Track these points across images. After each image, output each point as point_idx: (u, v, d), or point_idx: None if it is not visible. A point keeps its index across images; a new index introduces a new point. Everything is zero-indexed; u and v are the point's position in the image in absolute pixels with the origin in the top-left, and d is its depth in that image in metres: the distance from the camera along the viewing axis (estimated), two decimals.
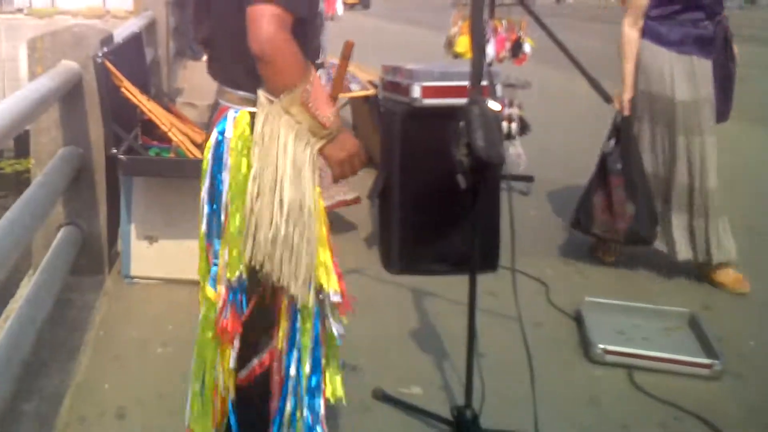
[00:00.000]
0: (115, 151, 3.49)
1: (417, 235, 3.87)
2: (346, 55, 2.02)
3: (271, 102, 1.86)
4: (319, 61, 2.04)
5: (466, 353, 2.56)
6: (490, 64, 5.50)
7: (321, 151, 1.90)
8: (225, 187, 1.96)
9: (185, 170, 3.46)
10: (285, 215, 1.87)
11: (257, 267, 1.91)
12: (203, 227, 2.03)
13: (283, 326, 2.00)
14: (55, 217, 3.54)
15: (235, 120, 1.97)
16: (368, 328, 3.13)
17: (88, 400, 2.71)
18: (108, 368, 2.91)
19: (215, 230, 2.00)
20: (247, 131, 1.93)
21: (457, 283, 3.38)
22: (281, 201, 1.87)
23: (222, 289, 1.99)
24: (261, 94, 1.88)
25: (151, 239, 3.61)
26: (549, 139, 6.41)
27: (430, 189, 3.80)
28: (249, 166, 1.91)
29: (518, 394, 2.71)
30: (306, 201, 1.89)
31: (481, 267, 3.18)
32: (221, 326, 1.98)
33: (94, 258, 3.62)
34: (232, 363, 2.00)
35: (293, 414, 2.08)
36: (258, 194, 1.88)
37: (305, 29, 1.93)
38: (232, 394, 2.04)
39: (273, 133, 1.87)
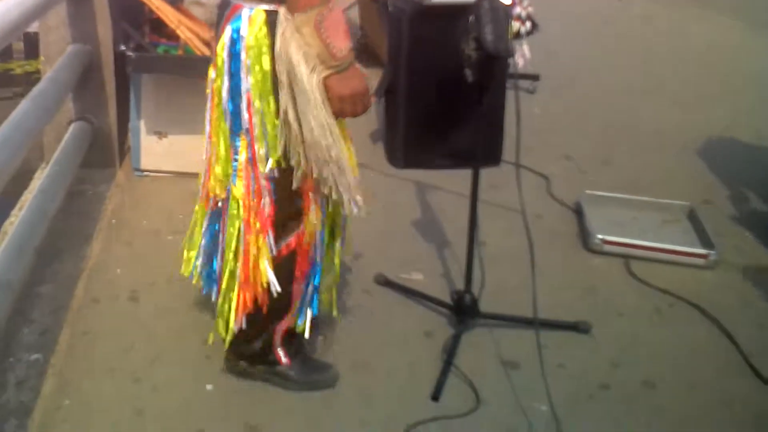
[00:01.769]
0: (123, 48, 3.44)
1: (421, 130, 3.82)
2: None
3: (288, 19, 1.85)
4: None
5: (467, 241, 2.56)
6: None
7: (325, 81, 1.87)
8: (246, 86, 1.95)
9: (194, 67, 3.40)
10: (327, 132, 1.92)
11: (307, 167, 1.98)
12: (228, 123, 2.01)
13: (315, 210, 2.07)
14: (66, 113, 3.51)
15: (250, 18, 1.92)
16: (372, 219, 3.11)
17: (101, 283, 2.74)
18: (120, 254, 2.94)
19: (238, 126, 2.00)
20: (264, 29, 1.91)
21: (461, 177, 3.35)
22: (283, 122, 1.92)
23: (243, 183, 2.03)
24: (281, 10, 1.87)
25: (160, 134, 3.58)
26: (555, 39, 6.26)
27: (436, 86, 3.73)
28: (271, 65, 1.91)
29: (517, 282, 2.71)
30: (325, 119, 1.90)
31: (484, 161, 3.15)
32: (259, 215, 2.04)
33: (105, 152, 3.61)
34: (272, 251, 2.07)
35: (314, 293, 2.19)
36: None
37: None
38: (271, 278, 2.09)
39: (285, 49, 1.86)
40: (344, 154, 2.00)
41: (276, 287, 2.08)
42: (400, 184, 3.65)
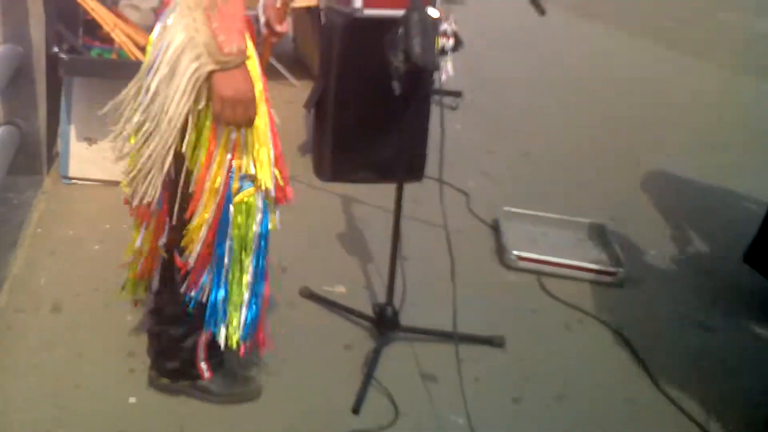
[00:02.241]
0: (56, 50, 3.31)
1: (349, 144, 3.80)
2: None
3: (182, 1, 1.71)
4: None
5: (390, 254, 2.55)
6: None
7: (209, 77, 1.71)
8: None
9: (128, 71, 3.25)
10: (143, 105, 1.79)
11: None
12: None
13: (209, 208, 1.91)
14: None
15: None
16: (297, 231, 3.09)
17: (24, 293, 2.63)
18: (44, 263, 2.82)
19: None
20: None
21: (385, 191, 3.35)
22: (144, 91, 1.78)
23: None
24: None
25: (90, 140, 3.46)
26: (479, 57, 6.32)
27: (365, 100, 3.72)
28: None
29: (436, 295, 2.72)
30: (172, 108, 1.75)
31: (408, 176, 3.15)
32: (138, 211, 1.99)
33: (33, 158, 3.46)
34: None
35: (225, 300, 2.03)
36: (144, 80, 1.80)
37: None
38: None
39: (171, 28, 1.73)
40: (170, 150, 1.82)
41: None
42: (327, 197, 3.62)
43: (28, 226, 3.06)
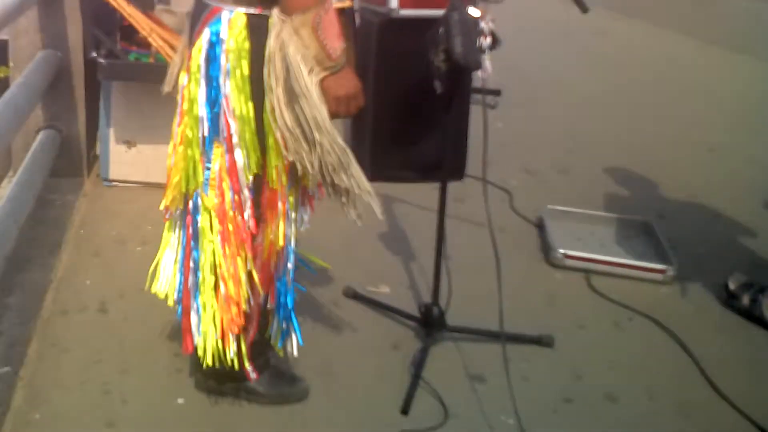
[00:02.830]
0: (94, 54, 3.38)
1: (388, 143, 3.81)
2: None
3: (283, 21, 1.78)
4: None
5: (434, 254, 2.55)
6: None
7: (322, 82, 1.81)
8: (225, 91, 1.88)
9: (165, 75, 3.34)
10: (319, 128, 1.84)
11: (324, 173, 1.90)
12: (203, 131, 1.94)
13: (281, 225, 2.00)
14: (34, 121, 3.42)
15: (230, 21, 1.86)
16: (339, 230, 3.08)
17: (69, 294, 2.67)
18: (89, 265, 2.86)
19: (215, 134, 1.93)
20: (244, 33, 1.85)
21: (426, 190, 3.37)
22: (306, 117, 1.83)
23: (216, 193, 1.96)
24: (275, 12, 1.80)
25: (129, 143, 3.51)
26: (518, 54, 6.30)
27: (403, 99, 3.72)
28: (250, 70, 1.85)
29: (482, 295, 2.69)
30: (322, 117, 1.84)
31: (450, 175, 3.14)
32: (241, 229, 1.97)
33: (74, 161, 3.53)
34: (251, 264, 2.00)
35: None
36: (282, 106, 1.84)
37: None
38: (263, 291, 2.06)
39: (281, 52, 1.79)
40: (352, 157, 1.92)
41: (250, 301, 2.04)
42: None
43: (71, 227, 3.11)
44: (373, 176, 3.72)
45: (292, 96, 1.82)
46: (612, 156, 4.40)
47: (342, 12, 5.36)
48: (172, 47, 3.58)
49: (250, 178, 1.94)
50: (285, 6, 1.78)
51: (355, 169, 1.92)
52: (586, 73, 6.18)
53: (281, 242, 2.01)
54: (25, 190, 2.89)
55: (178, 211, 2.10)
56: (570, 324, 2.79)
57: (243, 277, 2.00)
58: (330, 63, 1.78)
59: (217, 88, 1.89)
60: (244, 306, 2.02)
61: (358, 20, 4.39)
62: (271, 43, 1.81)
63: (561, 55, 6.76)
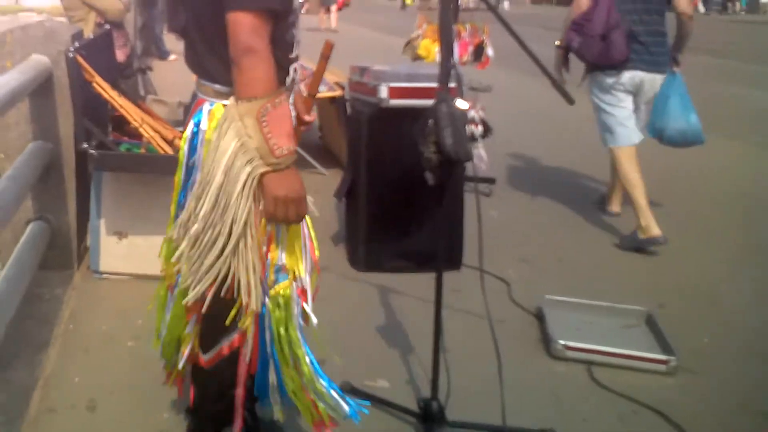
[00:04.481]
0: (86, 146, 3.46)
1: (383, 233, 3.88)
2: (326, 56, 2.00)
3: (232, 105, 1.84)
4: (293, 55, 2.02)
5: (432, 347, 2.57)
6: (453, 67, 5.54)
7: (261, 178, 1.82)
8: (196, 178, 1.95)
9: (157, 166, 3.43)
10: (202, 215, 1.86)
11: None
12: (177, 214, 2.03)
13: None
14: (24, 212, 3.48)
15: (210, 112, 1.96)
16: (335, 323, 3.12)
17: (58, 392, 2.68)
18: (78, 361, 2.88)
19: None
20: None
21: (422, 281, 3.41)
22: (202, 201, 1.86)
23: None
24: (230, 100, 1.87)
25: (120, 235, 3.57)
26: (509, 142, 6.47)
27: (396, 188, 3.82)
28: None
29: (482, 388, 2.72)
30: (233, 212, 1.84)
31: (446, 264, 3.20)
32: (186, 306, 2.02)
33: (63, 253, 3.57)
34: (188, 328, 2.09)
35: (281, 384, 2.11)
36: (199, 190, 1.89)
37: (278, 23, 1.91)
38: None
39: (221, 134, 1.84)
40: (249, 250, 1.88)
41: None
42: (363, 288, 3.67)
43: (59, 322, 3.13)
44: (369, 266, 3.84)
45: (212, 182, 1.84)
46: (606, 242, 4.48)
47: (333, 101, 5.53)
48: (164, 137, 3.68)
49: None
50: (236, 93, 1.83)
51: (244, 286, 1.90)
52: (579, 159, 6.32)
53: (248, 326, 2.01)
54: (12, 285, 2.91)
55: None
56: (573, 417, 2.80)
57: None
58: (273, 159, 1.79)
59: (194, 176, 1.97)
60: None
61: (349, 109, 4.54)
62: (216, 127, 1.86)
63: (553, 141, 6.92)
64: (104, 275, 3.56)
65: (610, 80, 4.42)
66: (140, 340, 3.00)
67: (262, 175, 1.81)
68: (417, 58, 5.74)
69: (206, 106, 1.98)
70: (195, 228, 1.88)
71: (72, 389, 2.70)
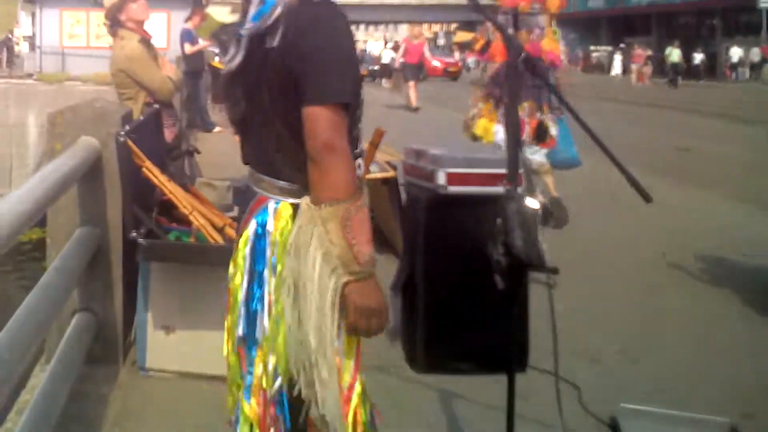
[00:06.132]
0: (135, 234, 3.43)
1: (443, 331, 3.77)
2: (376, 143, 1.99)
3: (311, 208, 1.79)
4: (357, 151, 1.98)
5: None
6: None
7: (344, 287, 1.77)
8: (269, 287, 1.89)
9: (208, 257, 3.41)
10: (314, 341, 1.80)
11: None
12: (240, 330, 1.94)
13: None
14: (69, 302, 3.46)
15: (276, 212, 1.90)
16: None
17: None
18: None
19: (254, 334, 1.92)
20: (290, 225, 1.86)
21: (487, 384, 3.31)
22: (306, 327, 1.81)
23: (258, 401, 1.92)
24: (304, 200, 1.83)
25: (168, 329, 3.52)
26: (573, 228, 6.37)
27: (457, 281, 3.73)
28: None
29: None
30: (327, 329, 1.80)
31: (512, 366, 3.10)
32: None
33: (109, 347, 3.55)
34: None
35: None
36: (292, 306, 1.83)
37: (350, 118, 1.89)
38: None
39: (301, 242, 1.79)
40: (333, 371, 1.83)
41: None
42: (423, 392, 3.57)
43: (105, 424, 3.08)
44: (429, 367, 3.74)
45: (300, 296, 1.79)
46: (685, 336, 4.34)
47: (386, 182, 5.52)
48: (214, 225, 3.67)
49: (276, 388, 1.89)
50: (315, 194, 1.79)
51: (331, 406, 1.83)
52: (641, 238, 6.22)
53: None
54: (58, 383, 2.90)
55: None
56: None
57: None
58: (356, 267, 1.75)
59: (261, 284, 1.89)
60: None
61: (404, 196, 4.50)
62: (294, 233, 1.80)
63: (617, 222, 6.82)
64: (150, 372, 3.51)
65: None
66: None
67: (344, 285, 1.76)
68: (475, 138, 5.72)
69: (271, 205, 1.92)
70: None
71: None
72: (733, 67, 36.68)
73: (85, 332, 3.35)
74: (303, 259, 1.78)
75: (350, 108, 1.87)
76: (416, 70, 18.33)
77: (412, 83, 18.15)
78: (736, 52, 36.85)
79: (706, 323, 4.58)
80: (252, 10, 1.93)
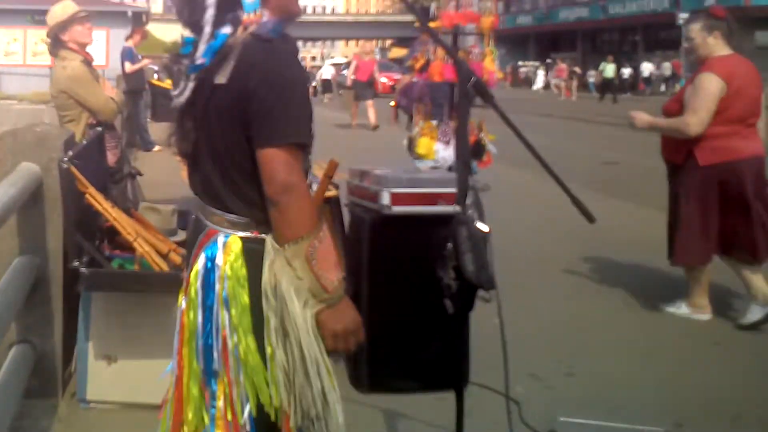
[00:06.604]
0: (77, 263, 3.31)
1: (386, 350, 3.76)
2: (330, 175, 2.00)
3: (276, 250, 1.82)
4: (307, 181, 1.98)
5: None
6: (450, 168, 5.51)
7: (317, 316, 1.81)
8: (222, 321, 1.88)
9: (152, 284, 3.34)
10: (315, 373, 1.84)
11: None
12: (198, 363, 1.93)
13: None
14: (7, 334, 3.34)
15: (225, 245, 1.90)
16: None
17: None
18: None
19: (212, 367, 1.91)
20: (240, 259, 1.87)
21: (430, 402, 3.31)
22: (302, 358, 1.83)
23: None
24: (269, 240, 1.85)
25: (109, 359, 3.43)
26: (508, 244, 6.40)
27: (400, 301, 3.72)
28: (249, 298, 1.86)
29: None
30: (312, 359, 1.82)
31: (450, 384, 3.10)
32: None
33: (47, 379, 3.43)
34: None
35: None
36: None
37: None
38: None
39: (277, 283, 1.81)
40: (336, 395, 1.92)
41: None
42: (368, 413, 3.56)
43: None
44: (372, 387, 3.71)
45: (284, 333, 1.82)
46: (619, 349, 4.41)
47: (327, 201, 5.50)
48: (159, 251, 3.58)
49: (246, 417, 1.88)
50: (278, 234, 1.82)
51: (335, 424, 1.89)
52: (584, 258, 6.29)
53: None
54: None
55: None
56: None
57: None
58: (326, 296, 1.80)
59: (212, 319, 1.89)
60: None
61: (347, 216, 4.47)
62: (265, 275, 1.83)
63: (555, 239, 6.88)
64: (91, 404, 3.41)
65: None
66: None
67: (318, 312, 1.81)
68: (418, 157, 5.72)
69: (221, 239, 1.92)
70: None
71: None
72: (646, 80, 37.71)
73: (22, 366, 3.24)
74: (280, 299, 1.81)
75: (305, 146, 1.88)
76: (367, 87, 18.10)
77: (370, 102, 17.84)
78: (647, 67, 38.06)
79: (630, 330, 4.65)
80: (202, 46, 1.89)
